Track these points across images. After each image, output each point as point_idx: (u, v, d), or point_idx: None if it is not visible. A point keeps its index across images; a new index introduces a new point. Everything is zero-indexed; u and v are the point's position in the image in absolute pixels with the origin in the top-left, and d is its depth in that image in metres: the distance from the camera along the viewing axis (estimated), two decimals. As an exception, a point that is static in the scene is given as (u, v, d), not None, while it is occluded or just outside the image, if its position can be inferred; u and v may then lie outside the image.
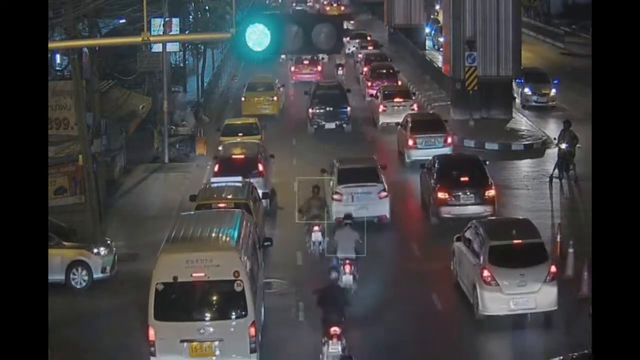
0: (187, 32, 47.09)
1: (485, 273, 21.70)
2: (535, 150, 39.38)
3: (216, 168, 32.40)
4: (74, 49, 28.12)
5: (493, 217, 27.36)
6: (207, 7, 53.31)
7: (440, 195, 29.04)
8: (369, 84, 51.06)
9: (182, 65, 57.72)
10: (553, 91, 48.32)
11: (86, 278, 25.29)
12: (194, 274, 19.03)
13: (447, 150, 36.41)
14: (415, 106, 43.87)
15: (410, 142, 36.91)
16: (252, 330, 19.01)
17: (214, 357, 18.99)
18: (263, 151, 34.48)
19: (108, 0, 29.12)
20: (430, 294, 24.21)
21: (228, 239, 20.23)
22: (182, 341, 18.94)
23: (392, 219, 29.55)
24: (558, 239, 25.98)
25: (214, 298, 19.44)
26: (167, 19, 39.05)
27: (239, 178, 29.38)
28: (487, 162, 30.84)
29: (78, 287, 25.29)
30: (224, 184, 29.19)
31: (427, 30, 75.64)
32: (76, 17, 28.61)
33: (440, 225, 29.00)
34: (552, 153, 35.29)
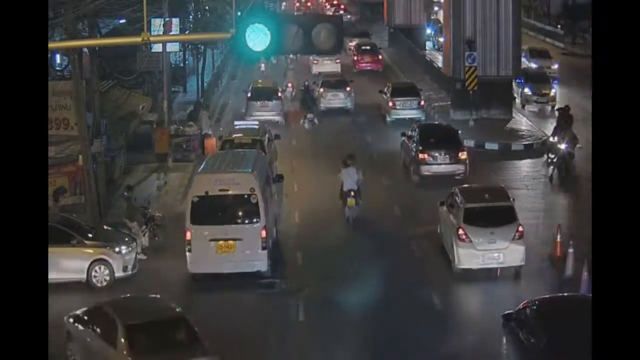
0: (187, 32, 47.11)
1: (461, 232, 24.80)
2: (535, 150, 39.38)
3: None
4: (74, 49, 28.15)
5: (472, 185, 29.52)
6: (207, 7, 53.33)
7: (421, 156, 34.06)
8: (355, 58, 64.70)
9: (182, 65, 57.73)
10: (553, 91, 48.38)
11: (108, 277, 25.32)
12: (220, 190, 25.01)
13: (419, 112, 44.95)
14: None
15: (390, 104, 45.16)
16: (264, 233, 24.85)
17: (233, 252, 24.72)
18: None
19: (108, 0, 29.14)
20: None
21: (246, 166, 26.47)
22: (211, 240, 24.77)
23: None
24: (558, 239, 25.96)
25: (235, 208, 25.11)
26: (167, 19, 39.04)
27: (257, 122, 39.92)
28: (460, 131, 35.49)
29: (99, 285, 25.29)
30: (244, 126, 38.05)
31: (428, 31, 75.63)
32: (76, 17, 28.63)
33: (420, 182, 33.97)
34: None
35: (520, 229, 24.83)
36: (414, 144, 34.74)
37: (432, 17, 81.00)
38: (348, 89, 49.21)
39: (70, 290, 24.66)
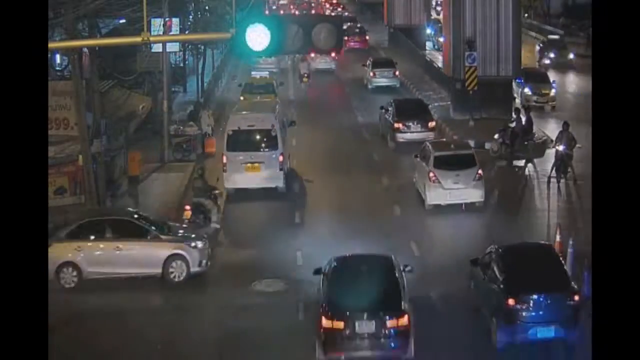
0: (187, 32, 47.10)
1: (431, 174, 30.81)
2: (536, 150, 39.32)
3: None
4: (74, 49, 28.16)
5: (440, 139, 37.99)
6: (207, 7, 53.32)
7: (396, 125, 40.01)
8: (346, 37, 71.43)
9: (182, 65, 57.71)
10: (553, 91, 48.36)
11: (184, 271, 25.52)
12: (248, 125, 33.63)
13: (395, 81, 55.99)
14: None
15: (371, 74, 56.06)
16: (281, 158, 33.38)
17: (259, 172, 33.23)
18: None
19: (108, 0, 29.13)
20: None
21: (268, 110, 35.41)
22: (242, 163, 33.25)
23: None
24: (558, 239, 25.96)
25: (260, 139, 33.55)
26: (167, 19, 39.03)
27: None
28: (430, 105, 41.03)
29: (176, 280, 25.51)
30: (258, 76, 54.27)
31: (429, 31, 75.63)
32: (76, 17, 28.63)
33: (396, 147, 40.04)
34: (552, 153, 35.30)
35: (480, 172, 30.86)
36: (391, 116, 40.82)
37: (432, 18, 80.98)
38: (333, 55, 58.05)
39: (144, 285, 25.30)
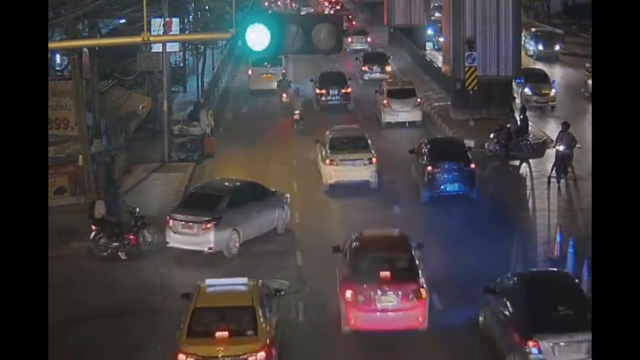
0: (187, 32, 47.10)
1: (385, 101, 44.61)
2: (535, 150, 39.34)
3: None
4: (74, 49, 28.17)
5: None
6: (207, 7, 53.30)
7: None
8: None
9: (182, 65, 57.71)
10: (553, 91, 48.33)
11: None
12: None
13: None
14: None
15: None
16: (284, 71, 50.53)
17: (271, 80, 52.66)
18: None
19: (108, 0, 29.14)
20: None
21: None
22: (259, 74, 53.55)
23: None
24: (558, 239, 25.97)
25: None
26: (167, 19, 39.02)
27: None
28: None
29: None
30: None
31: (430, 32, 75.60)
32: (76, 17, 28.64)
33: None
34: (552, 153, 35.32)
35: (419, 100, 45.44)
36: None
37: (433, 18, 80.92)
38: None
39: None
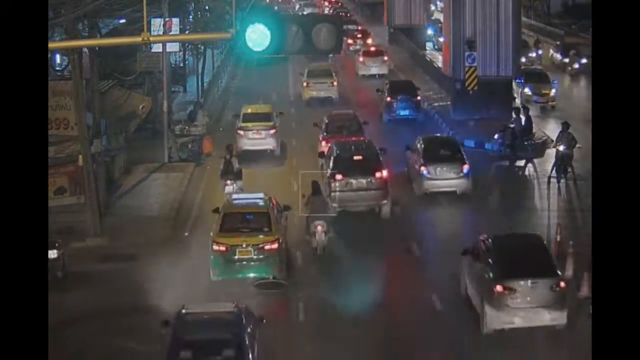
0: (187, 32, 47.10)
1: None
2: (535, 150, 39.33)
3: None
4: (74, 49, 28.13)
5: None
6: (207, 7, 53.30)
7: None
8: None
9: (182, 65, 57.71)
10: (553, 91, 48.32)
11: None
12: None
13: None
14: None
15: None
16: None
17: None
18: None
19: (108, 0, 29.11)
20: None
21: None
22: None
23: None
24: (558, 239, 25.97)
25: None
26: (167, 19, 39.02)
27: None
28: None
29: None
30: None
31: (430, 32, 75.60)
32: (76, 17, 28.61)
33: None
34: (552, 153, 35.34)
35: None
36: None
37: (434, 18, 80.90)
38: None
39: None
